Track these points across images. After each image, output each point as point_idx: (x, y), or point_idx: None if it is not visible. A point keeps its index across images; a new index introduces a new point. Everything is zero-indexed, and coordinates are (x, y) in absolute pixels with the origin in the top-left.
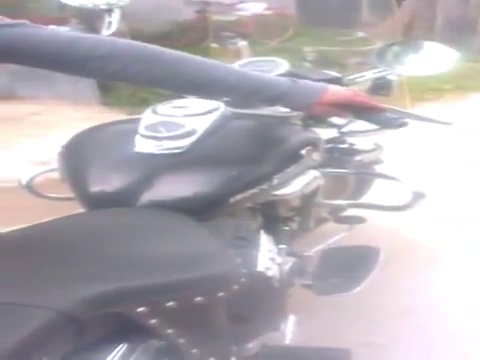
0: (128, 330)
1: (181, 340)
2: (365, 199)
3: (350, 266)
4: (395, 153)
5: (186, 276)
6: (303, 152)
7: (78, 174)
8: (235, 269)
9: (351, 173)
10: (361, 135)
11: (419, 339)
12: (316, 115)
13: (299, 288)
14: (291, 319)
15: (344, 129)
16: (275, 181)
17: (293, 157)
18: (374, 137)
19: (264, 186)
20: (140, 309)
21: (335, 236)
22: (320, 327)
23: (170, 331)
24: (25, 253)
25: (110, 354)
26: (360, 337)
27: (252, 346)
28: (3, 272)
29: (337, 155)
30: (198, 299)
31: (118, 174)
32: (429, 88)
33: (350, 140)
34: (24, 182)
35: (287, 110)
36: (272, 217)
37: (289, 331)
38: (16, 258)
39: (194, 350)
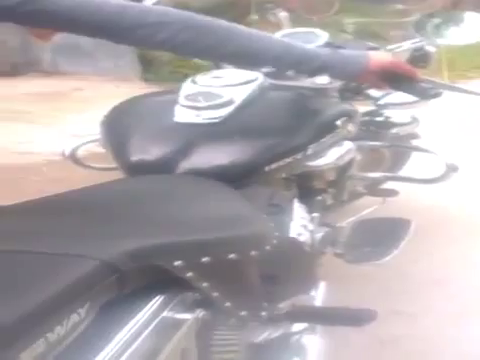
0: (166, 283)
1: (215, 293)
2: (401, 173)
3: (381, 236)
4: (431, 126)
5: (220, 235)
6: (338, 123)
7: (119, 143)
8: (268, 231)
9: (386, 146)
10: (397, 107)
11: (449, 309)
12: (355, 85)
13: (331, 258)
14: (321, 286)
15: (381, 102)
16: (310, 151)
17: (328, 128)
18: (410, 110)
19: (299, 156)
20: (177, 263)
21: (368, 209)
22: (350, 295)
23: (205, 284)
24: (71, 213)
25: (148, 304)
26: (390, 306)
27: (283, 306)
28: (52, 228)
29: (373, 128)
30: (231, 256)
31: (158, 143)
32: (473, 66)
33: (386, 113)
34: (67, 153)
35: (324, 82)
36: (306, 188)
37: (319, 297)
38: (63, 217)
39: (227, 303)
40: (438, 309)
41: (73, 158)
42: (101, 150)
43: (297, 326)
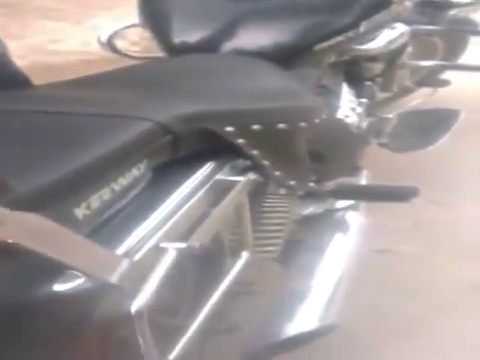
0: (219, 149)
1: (265, 161)
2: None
3: (427, 127)
4: None
5: (270, 105)
6: None
7: (160, 23)
8: (317, 104)
9: (442, 30)
10: None
11: None
12: None
13: (376, 149)
14: (365, 174)
15: None
16: (362, 29)
17: (383, 2)
18: None
19: (350, 34)
20: (228, 128)
21: (417, 99)
22: (394, 183)
23: (255, 152)
24: (125, 83)
25: (202, 167)
26: (431, 195)
27: (329, 184)
28: (108, 95)
29: (430, 9)
30: (281, 125)
31: (201, 22)
32: None
33: None
34: (104, 39)
35: None
36: (356, 74)
37: (362, 182)
38: (118, 86)
39: (277, 172)
40: (473, 198)
41: (110, 45)
42: (140, 38)
43: (341, 203)
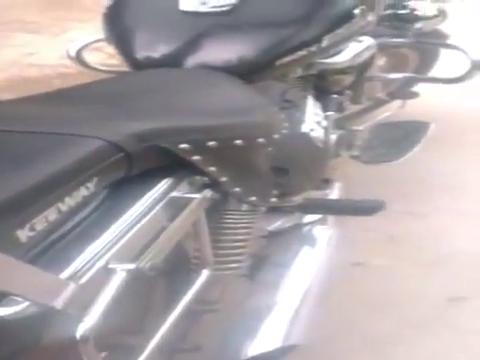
0: (174, 167)
1: (223, 178)
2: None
3: (398, 139)
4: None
5: (227, 121)
6: (356, 12)
7: (123, 36)
8: (276, 120)
9: (409, 43)
10: None
11: (457, 210)
12: None
13: (347, 162)
14: (336, 186)
15: None
16: (325, 43)
17: (345, 16)
18: (437, 3)
19: (313, 48)
20: (183, 145)
21: (387, 112)
22: (365, 196)
23: (212, 169)
24: (80, 101)
25: (157, 185)
26: (402, 207)
27: (295, 198)
28: (60, 112)
29: (396, 22)
30: (238, 141)
31: (163, 35)
32: None
33: (411, 5)
34: (73, 53)
35: None
36: (323, 88)
37: (333, 196)
38: (72, 104)
39: (236, 188)
40: (446, 210)
41: (79, 59)
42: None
43: (310, 218)
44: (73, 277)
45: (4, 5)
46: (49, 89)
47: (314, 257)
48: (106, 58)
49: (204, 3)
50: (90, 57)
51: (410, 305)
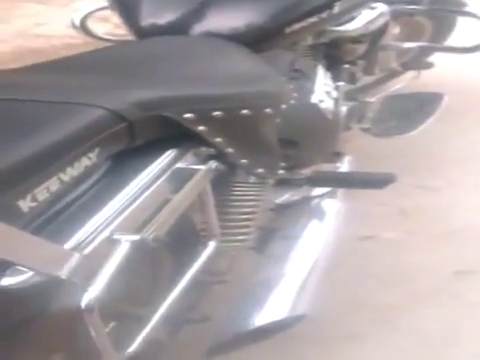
0: (179, 137)
1: (229, 149)
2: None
3: (411, 111)
4: None
5: (232, 90)
6: None
7: (128, 3)
8: (284, 89)
9: (424, 10)
10: None
11: (471, 184)
12: None
13: (359, 136)
14: (346, 160)
15: None
16: (336, 9)
17: None
18: None
19: (324, 14)
20: (187, 115)
21: (401, 83)
22: (377, 170)
23: (218, 139)
24: (83, 69)
25: (161, 156)
26: (415, 180)
27: (304, 171)
28: (62, 81)
29: None
30: (244, 111)
31: (169, 2)
32: None
33: None
34: (77, 22)
35: None
36: (335, 57)
37: (344, 168)
38: (75, 73)
39: (243, 160)
40: (459, 183)
41: (83, 28)
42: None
43: (320, 191)
44: (77, 247)
45: None
46: None
47: (323, 230)
48: (113, 28)
49: None
50: (97, 27)
51: (418, 278)
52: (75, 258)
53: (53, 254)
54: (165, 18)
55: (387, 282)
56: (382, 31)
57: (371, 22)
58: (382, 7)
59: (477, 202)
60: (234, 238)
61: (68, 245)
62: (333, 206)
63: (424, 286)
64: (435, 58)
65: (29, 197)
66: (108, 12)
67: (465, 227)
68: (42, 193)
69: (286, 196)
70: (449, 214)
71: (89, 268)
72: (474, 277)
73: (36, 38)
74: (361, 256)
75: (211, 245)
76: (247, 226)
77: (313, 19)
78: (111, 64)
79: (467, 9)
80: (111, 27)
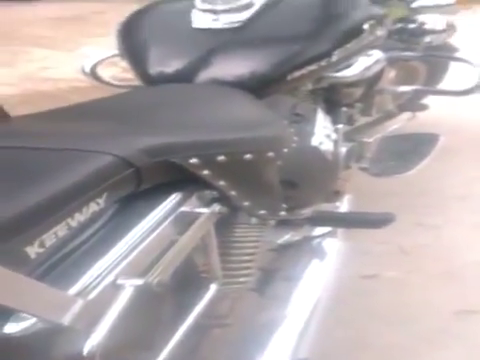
0: (184, 181)
1: (233, 192)
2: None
3: (407, 151)
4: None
5: (235, 135)
6: (365, 27)
7: (137, 53)
8: (285, 133)
9: (419, 56)
10: (432, 11)
11: (469, 221)
12: None
13: (357, 174)
14: (347, 198)
15: (414, 4)
16: (334, 58)
17: (354, 31)
18: (447, 16)
19: (323, 62)
20: (192, 160)
21: (397, 124)
22: (375, 209)
23: (222, 183)
24: (90, 116)
25: (166, 199)
26: (415, 218)
27: (304, 212)
28: (71, 128)
29: (406, 36)
30: (247, 156)
31: (176, 52)
32: None
33: (420, 19)
34: (87, 69)
35: None
36: (333, 101)
37: (343, 208)
38: (83, 120)
39: (246, 202)
40: (459, 221)
41: (93, 75)
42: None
43: (321, 230)
44: (81, 293)
45: (21, 21)
46: (64, 102)
47: (324, 270)
48: (120, 72)
49: (216, 20)
50: (105, 71)
51: (422, 318)
52: (78, 304)
53: (56, 300)
54: (172, 66)
55: (390, 322)
56: (378, 76)
57: (367, 68)
58: (378, 54)
59: (477, 240)
60: (236, 280)
61: (72, 291)
62: (334, 245)
63: (427, 326)
64: (430, 100)
65: (37, 243)
66: (117, 58)
67: (466, 265)
68: (50, 239)
69: (287, 236)
70: (449, 252)
71: (92, 314)
72: (476, 317)
73: (44, 82)
74: (363, 296)
75: (213, 288)
76: (248, 267)
77: (313, 67)
78: (119, 111)
79: (458, 54)
80: (119, 70)
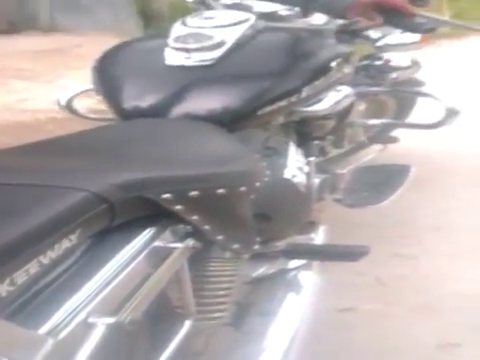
0: (157, 216)
1: (206, 226)
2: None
3: (380, 182)
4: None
5: (208, 170)
6: (333, 65)
7: (111, 88)
8: (257, 167)
9: (386, 91)
10: (397, 49)
11: (445, 251)
12: (350, 22)
13: (331, 205)
14: (321, 229)
15: (379, 43)
16: (304, 93)
17: (322, 69)
18: (411, 53)
19: (293, 99)
20: (165, 195)
21: (368, 156)
22: (351, 240)
23: (195, 217)
24: (63, 152)
25: (140, 234)
26: (391, 249)
27: (279, 244)
28: (43, 164)
29: (373, 72)
30: (220, 191)
31: (150, 86)
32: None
33: (386, 57)
34: (63, 102)
35: (319, 23)
36: (304, 135)
37: (318, 240)
38: (55, 155)
39: (219, 236)
40: (434, 251)
41: (69, 108)
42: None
43: (296, 263)
44: (52, 332)
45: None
46: (43, 133)
47: (300, 304)
48: (95, 103)
49: (189, 57)
50: (81, 102)
51: (404, 352)
52: (49, 343)
53: (26, 340)
54: (146, 101)
55: (369, 357)
56: (348, 110)
57: (337, 102)
58: (347, 89)
59: (454, 270)
60: (210, 315)
61: (43, 329)
62: (309, 278)
63: None
64: (399, 132)
65: (7, 281)
66: (92, 92)
67: (445, 296)
68: (21, 276)
69: (262, 269)
70: (427, 283)
71: (63, 353)
72: (458, 351)
73: (22, 113)
74: (341, 329)
75: (187, 324)
76: (223, 302)
77: (283, 103)
78: (94, 146)
79: (424, 89)
80: (94, 102)
